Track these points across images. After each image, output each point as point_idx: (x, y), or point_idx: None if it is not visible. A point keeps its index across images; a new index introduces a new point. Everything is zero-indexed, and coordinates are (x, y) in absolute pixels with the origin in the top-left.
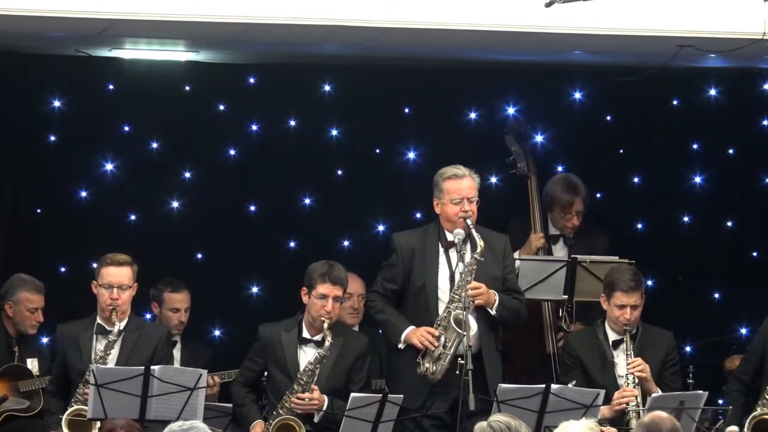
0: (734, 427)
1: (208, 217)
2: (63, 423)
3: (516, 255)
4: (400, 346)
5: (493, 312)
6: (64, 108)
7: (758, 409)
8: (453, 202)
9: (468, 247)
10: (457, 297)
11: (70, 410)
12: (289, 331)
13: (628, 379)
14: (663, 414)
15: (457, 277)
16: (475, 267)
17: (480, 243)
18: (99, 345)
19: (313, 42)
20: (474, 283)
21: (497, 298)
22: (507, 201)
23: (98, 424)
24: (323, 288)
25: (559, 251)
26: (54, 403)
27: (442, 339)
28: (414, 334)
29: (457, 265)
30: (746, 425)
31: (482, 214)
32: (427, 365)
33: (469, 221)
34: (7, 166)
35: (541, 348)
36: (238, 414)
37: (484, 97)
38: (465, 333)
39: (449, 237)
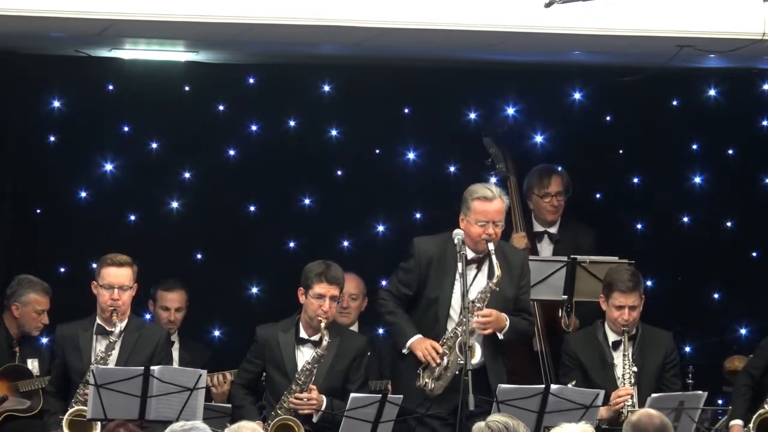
0: (738, 421)
1: (208, 217)
2: (64, 423)
3: None
4: (404, 351)
5: (500, 336)
6: (64, 108)
7: (766, 407)
8: (478, 223)
9: (485, 268)
10: (466, 321)
11: (70, 411)
12: (286, 331)
13: (624, 378)
14: (652, 412)
15: (472, 294)
16: (488, 295)
17: (497, 272)
18: (99, 345)
19: (312, 42)
20: (485, 311)
21: (508, 323)
22: None
23: (99, 424)
24: (320, 288)
25: (545, 249)
26: (54, 404)
27: (445, 360)
28: (419, 345)
29: (459, 270)
30: (751, 423)
31: None
32: (426, 380)
33: (491, 245)
34: (7, 166)
35: (528, 347)
36: (237, 416)
37: (484, 97)
38: (468, 359)
39: (470, 254)
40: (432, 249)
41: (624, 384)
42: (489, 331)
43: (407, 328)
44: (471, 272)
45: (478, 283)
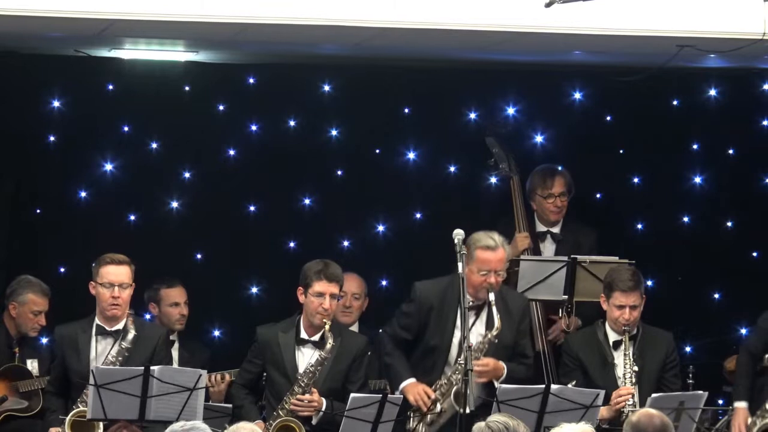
0: (743, 403)
1: (208, 217)
2: (66, 424)
3: None
4: (396, 393)
5: (497, 384)
6: (64, 108)
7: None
8: (480, 272)
9: (484, 315)
10: (461, 368)
11: (73, 412)
12: (286, 332)
13: (625, 378)
14: (652, 411)
15: (473, 340)
16: (487, 346)
17: (497, 324)
18: (99, 346)
19: (312, 42)
20: (483, 360)
21: (505, 372)
22: (496, 202)
23: (101, 424)
24: (320, 286)
25: (548, 249)
26: (54, 402)
27: (438, 406)
28: (412, 390)
29: (460, 270)
30: None
31: (476, 215)
32: (416, 425)
33: (491, 295)
34: (7, 166)
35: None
36: (237, 416)
37: (484, 97)
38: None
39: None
40: (433, 296)
41: (625, 384)
42: (485, 379)
43: (402, 371)
44: (469, 319)
45: (476, 330)
